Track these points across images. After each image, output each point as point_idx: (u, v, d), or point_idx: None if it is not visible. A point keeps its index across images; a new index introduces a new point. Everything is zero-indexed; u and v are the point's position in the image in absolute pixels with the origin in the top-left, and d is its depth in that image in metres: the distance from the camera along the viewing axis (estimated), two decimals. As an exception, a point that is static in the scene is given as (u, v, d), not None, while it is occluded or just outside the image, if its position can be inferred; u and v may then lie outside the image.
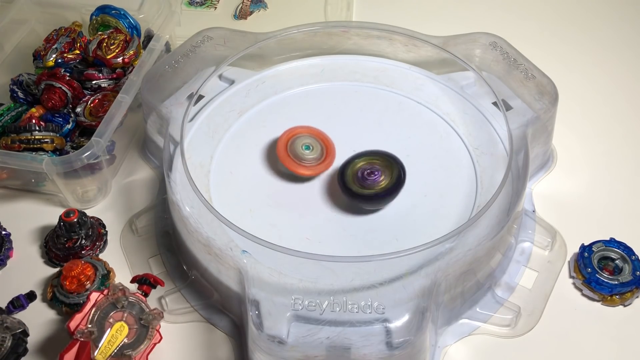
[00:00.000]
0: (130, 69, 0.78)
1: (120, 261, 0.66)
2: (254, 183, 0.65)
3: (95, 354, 0.53)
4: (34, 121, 0.70)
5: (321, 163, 0.64)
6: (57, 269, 0.65)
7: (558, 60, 0.86)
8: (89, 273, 0.61)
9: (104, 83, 0.76)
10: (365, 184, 0.61)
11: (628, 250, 0.63)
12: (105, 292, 0.56)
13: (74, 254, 0.65)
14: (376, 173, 0.61)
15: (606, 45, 0.89)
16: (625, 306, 0.61)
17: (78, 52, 0.78)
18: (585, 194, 0.71)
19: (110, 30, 0.79)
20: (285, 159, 0.63)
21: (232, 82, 0.75)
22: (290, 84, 0.74)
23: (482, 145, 0.67)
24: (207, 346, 0.59)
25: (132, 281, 0.60)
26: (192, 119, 0.70)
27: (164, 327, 0.58)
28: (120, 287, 0.56)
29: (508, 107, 0.69)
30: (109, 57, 0.76)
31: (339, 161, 0.65)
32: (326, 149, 0.65)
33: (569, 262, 0.64)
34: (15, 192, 0.72)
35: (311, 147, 0.64)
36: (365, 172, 0.61)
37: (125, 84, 0.71)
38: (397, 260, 0.54)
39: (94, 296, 0.56)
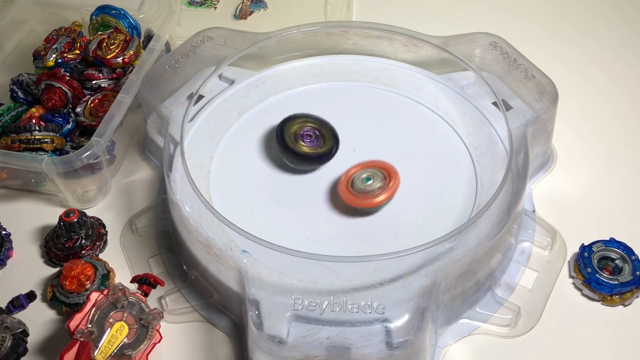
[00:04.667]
0: (130, 69, 0.78)
1: (120, 261, 0.66)
2: (254, 183, 0.65)
3: (95, 354, 0.53)
4: (34, 121, 0.70)
5: (386, 189, 0.61)
6: (57, 269, 0.65)
7: (558, 60, 0.86)
8: (89, 273, 0.61)
9: (104, 83, 0.76)
10: (305, 144, 0.64)
11: (628, 250, 0.63)
12: (105, 292, 0.56)
13: (74, 254, 0.65)
14: (314, 137, 0.65)
15: (606, 45, 0.89)
16: (625, 306, 0.61)
17: (78, 52, 0.78)
18: (585, 194, 0.71)
19: (110, 30, 0.79)
20: (353, 200, 0.61)
21: (232, 82, 0.75)
22: (290, 84, 0.74)
23: (482, 145, 0.67)
24: (207, 346, 0.59)
25: (132, 281, 0.60)
26: (192, 119, 0.70)
27: (164, 327, 0.58)
28: (120, 287, 0.56)
29: (508, 107, 0.69)
30: (109, 57, 0.76)
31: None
32: (388, 174, 0.62)
33: (569, 262, 0.64)
34: (15, 192, 0.72)
35: (372, 177, 0.62)
36: (305, 134, 0.64)
37: (125, 84, 0.71)
38: (397, 260, 0.54)
39: (94, 296, 0.56)
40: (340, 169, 0.65)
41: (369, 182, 0.62)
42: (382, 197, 0.61)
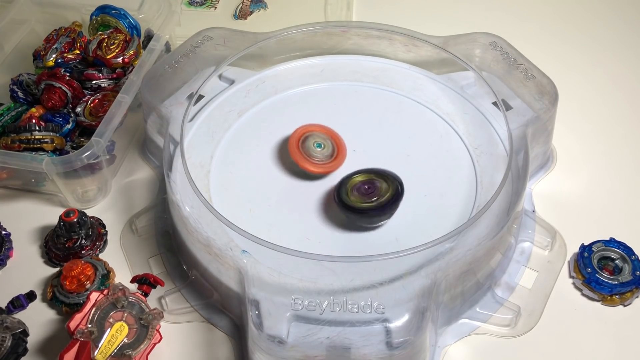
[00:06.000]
0: (130, 69, 0.78)
1: (120, 261, 0.66)
2: (254, 183, 0.65)
3: (95, 353, 0.53)
4: (34, 121, 0.70)
5: (332, 161, 0.65)
6: (57, 269, 0.65)
7: (558, 60, 0.86)
8: (89, 273, 0.61)
9: (104, 83, 0.77)
10: (364, 199, 0.60)
11: (628, 250, 0.63)
12: (105, 292, 0.56)
13: (74, 254, 0.65)
14: (374, 188, 0.60)
15: (606, 45, 0.89)
16: (625, 306, 0.61)
17: (78, 52, 0.78)
18: (585, 194, 0.71)
19: (110, 30, 0.79)
20: (296, 155, 0.64)
21: (232, 82, 0.75)
22: (290, 84, 0.74)
23: (482, 145, 0.67)
24: (207, 346, 0.59)
25: (132, 281, 0.60)
26: (192, 119, 0.70)
27: (164, 327, 0.58)
28: (120, 287, 0.56)
29: (508, 107, 0.69)
30: (109, 57, 0.76)
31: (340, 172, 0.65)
32: (337, 149, 0.66)
33: (568, 262, 0.64)
34: (15, 192, 0.72)
35: (323, 146, 0.65)
36: (363, 188, 0.61)
37: (125, 84, 0.71)
38: (397, 260, 0.54)
39: (94, 296, 0.56)
40: (341, 170, 0.65)
41: (319, 149, 0.64)
42: (315, 169, 0.64)
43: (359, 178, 0.62)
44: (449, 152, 0.67)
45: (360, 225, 0.61)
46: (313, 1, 0.93)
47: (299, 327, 0.53)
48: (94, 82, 0.76)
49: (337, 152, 0.66)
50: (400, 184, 0.60)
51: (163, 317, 0.57)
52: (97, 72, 0.76)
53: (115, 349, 0.54)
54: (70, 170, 0.65)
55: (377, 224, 0.61)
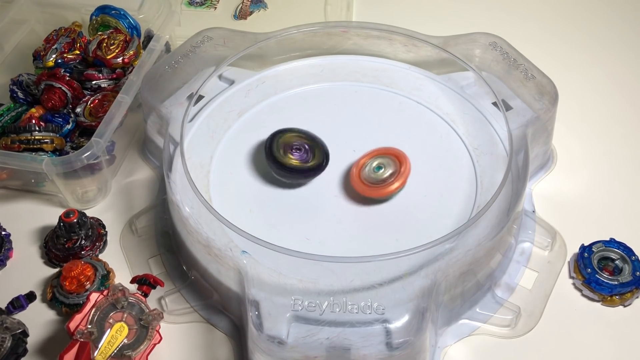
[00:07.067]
0: (130, 69, 0.78)
1: (120, 261, 0.66)
2: (254, 183, 0.65)
3: (95, 354, 0.53)
4: (33, 121, 0.70)
5: (399, 175, 0.62)
6: (57, 270, 0.65)
7: (558, 60, 0.86)
8: (89, 273, 0.61)
9: (103, 83, 0.76)
10: (291, 156, 0.63)
11: (628, 250, 0.63)
12: (105, 292, 0.56)
13: (74, 254, 0.65)
14: (304, 150, 0.63)
15: (606, 45, 0.89)
16: (625, 306, 0.61)
17: (78, 52, 0.78)
18: (585, 194, 0.71)
19: (110, 31, 0.79)
20: (364, 191, 0.62)
21: (232, 82, 0.75)
22: (290, 84, 0.74)
23: (482, 145, 0.67)
24: (207, 346, 0.59)
25: (132, 282, 0.60)
26: (192, 119, 0.70)
27: (164, 327, 0.58)
28: (120, 288, 0.56)
29: (508, 107, 0.69)
30: (108, 57, 0.76)
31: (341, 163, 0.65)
32: (398, 161, 0.63)
33: (568, 262, 0.64)
34: (15, 192, 0.72)
35: (382, 167, 0.63)
36: (294, 146, 0.63)
37: (125, 84, 0.71)
38: (397, 260, 0.54)
39: (94, 297, 0.56)
40: (341, 170, 0.65)
41: (380, 171, 0.62)
42: (396, 185, 0.61)
43: (293, 136, 0.64)
44: (449, 152, 0.67)
45: (365, 210, 0.62)
46: (313, 1, 0.93)
47: (299, 327, 0.53)
48: (94, 82, 0.76)
49: (399, 164, 0.63)
50: (327, 155, 0.64)
51: (163, 317, 0.57)
52: (97, 73, 0.76)
53: (115, 349, 0.54)
54: (70, 171, 0.65)
55: (294, 182, 0.64)
